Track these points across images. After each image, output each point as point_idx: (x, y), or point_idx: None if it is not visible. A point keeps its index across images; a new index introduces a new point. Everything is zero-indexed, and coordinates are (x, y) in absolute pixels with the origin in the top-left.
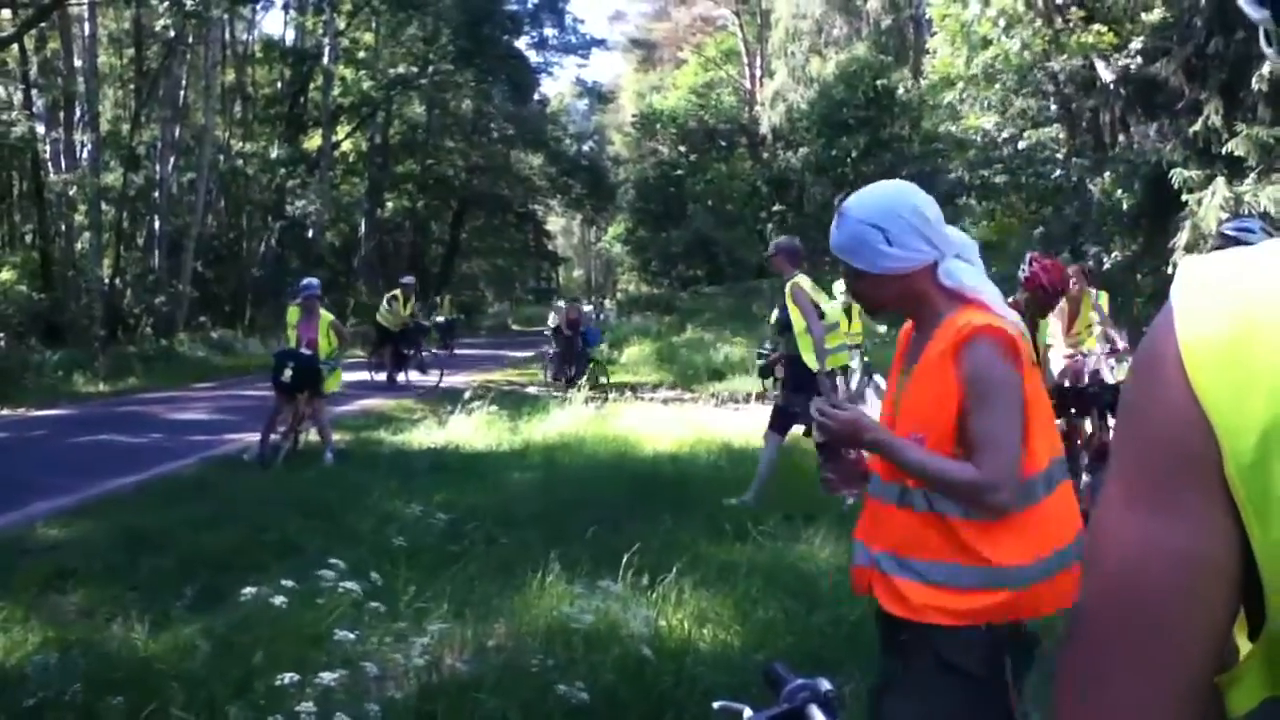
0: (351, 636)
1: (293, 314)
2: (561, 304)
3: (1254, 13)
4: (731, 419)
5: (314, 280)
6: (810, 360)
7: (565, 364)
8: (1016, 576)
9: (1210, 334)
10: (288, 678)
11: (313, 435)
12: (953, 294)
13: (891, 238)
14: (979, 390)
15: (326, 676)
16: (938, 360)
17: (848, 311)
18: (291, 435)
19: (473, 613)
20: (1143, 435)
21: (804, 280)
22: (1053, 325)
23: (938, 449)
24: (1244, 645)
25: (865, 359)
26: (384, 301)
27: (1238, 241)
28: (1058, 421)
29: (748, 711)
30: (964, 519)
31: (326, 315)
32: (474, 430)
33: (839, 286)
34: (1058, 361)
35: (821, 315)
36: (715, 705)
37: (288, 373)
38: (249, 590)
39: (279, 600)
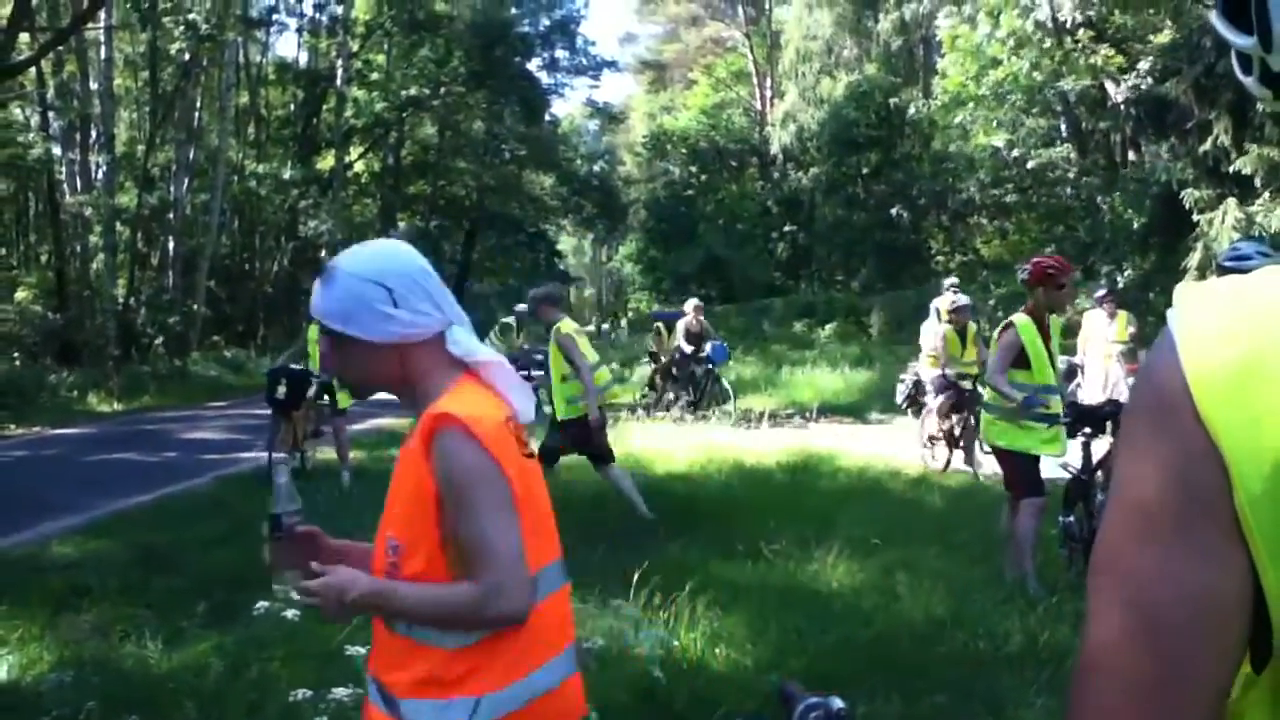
0: (363, 652)
1: (313, 330)
2: (662, 324)
3: (1238, 40)
4: (744, 438)
5: None
6: (561, 407)
7: (685, 388)
8: (496, 705)
9: (1219, 362)
10: (300, 694)
11: (320, 454)
12: (456, 363)
13: (398, 298)
14: (455, 490)
15: (340, 692)
16: (413, 451)
17: (961, 334)
18: (296, 454)
19: None
20: (1150, 467)
21: (568, 324)
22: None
23: (428, 563)
24: (1242, 676)
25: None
26: (495, 329)
27: (1236, 273)
28: (1078, 440)
29: None
30: (437, 645)
31: None
32: None
33: (941, 302)
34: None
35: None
36: None
37: (281, 389)
38: (261, 605)
39: (291, 614)
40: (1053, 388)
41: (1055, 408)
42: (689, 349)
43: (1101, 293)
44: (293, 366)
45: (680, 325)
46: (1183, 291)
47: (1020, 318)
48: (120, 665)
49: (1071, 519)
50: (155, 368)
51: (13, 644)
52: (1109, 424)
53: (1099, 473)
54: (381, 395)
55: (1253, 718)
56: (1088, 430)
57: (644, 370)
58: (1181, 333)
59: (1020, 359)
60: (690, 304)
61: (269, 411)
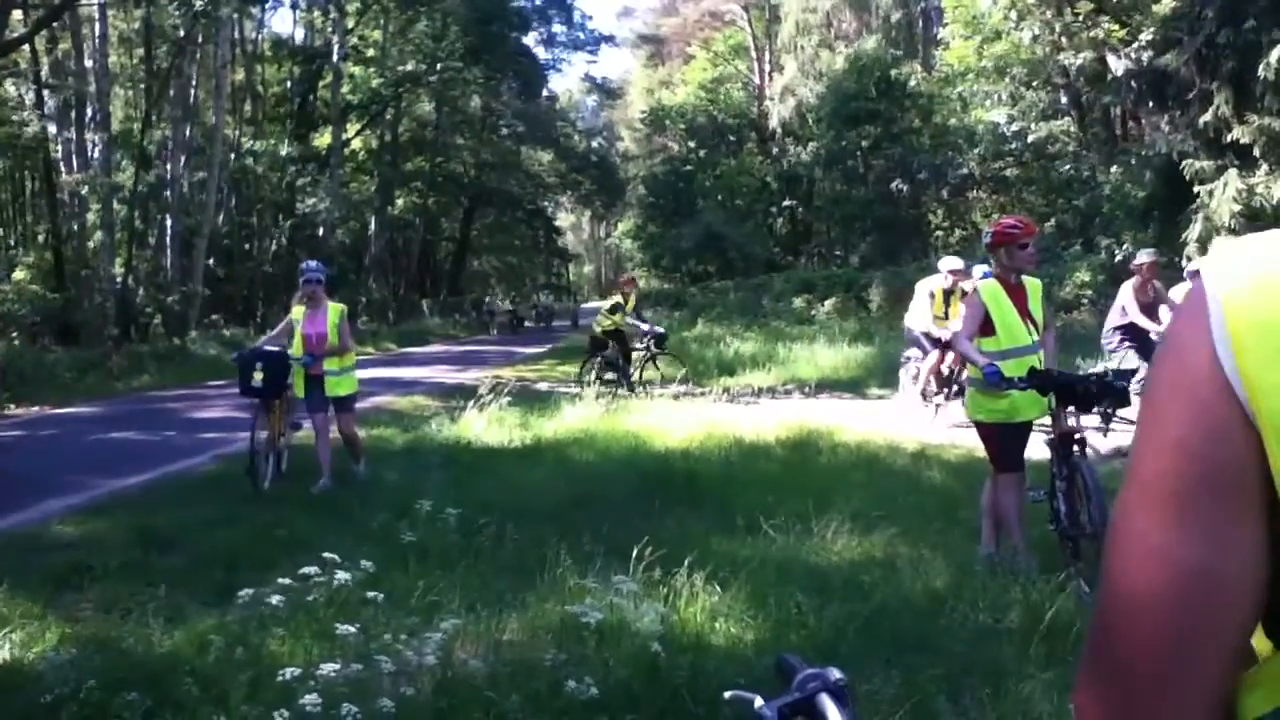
0: (353, 630)
1: (298, 312)
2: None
3: None
4: (743, 414)
5: (312, 264)
6: None
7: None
8: None
9: (1258, 324)
10: (289, 672)
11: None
12: None
13: None
14: None
15: (327, 668)
16: None
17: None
18: (274, 450)
19: (485, 608)
20: (1171, 437)
21: None
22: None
23: None
24: (1259, 648)
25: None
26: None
27: None
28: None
29: (759, 700)
30: None
31: (337, 306)
32: (486, 427)
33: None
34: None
35: None
36: (726, 694)
37: (258, 376)
38: (246, 591)
39: (281, 598)
40: (1029, 348)
41: (1021, 369)
42: (1146, 323)
43: (1193, 267)
44: (267, 349)
45: (1128, 290)
46: (1216, 251)
47: (984, 282)
48: (121, 644)
49: (1058, 502)
50: (154, 347)
51: (14, 623)
52: (1085, 400)
53: (1075, 448)
54: (386, 372)
55: (1267, 690)
56: (1069, 407)
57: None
58: (1215, 294)
59: (987, 326)
60: (1145, 255)
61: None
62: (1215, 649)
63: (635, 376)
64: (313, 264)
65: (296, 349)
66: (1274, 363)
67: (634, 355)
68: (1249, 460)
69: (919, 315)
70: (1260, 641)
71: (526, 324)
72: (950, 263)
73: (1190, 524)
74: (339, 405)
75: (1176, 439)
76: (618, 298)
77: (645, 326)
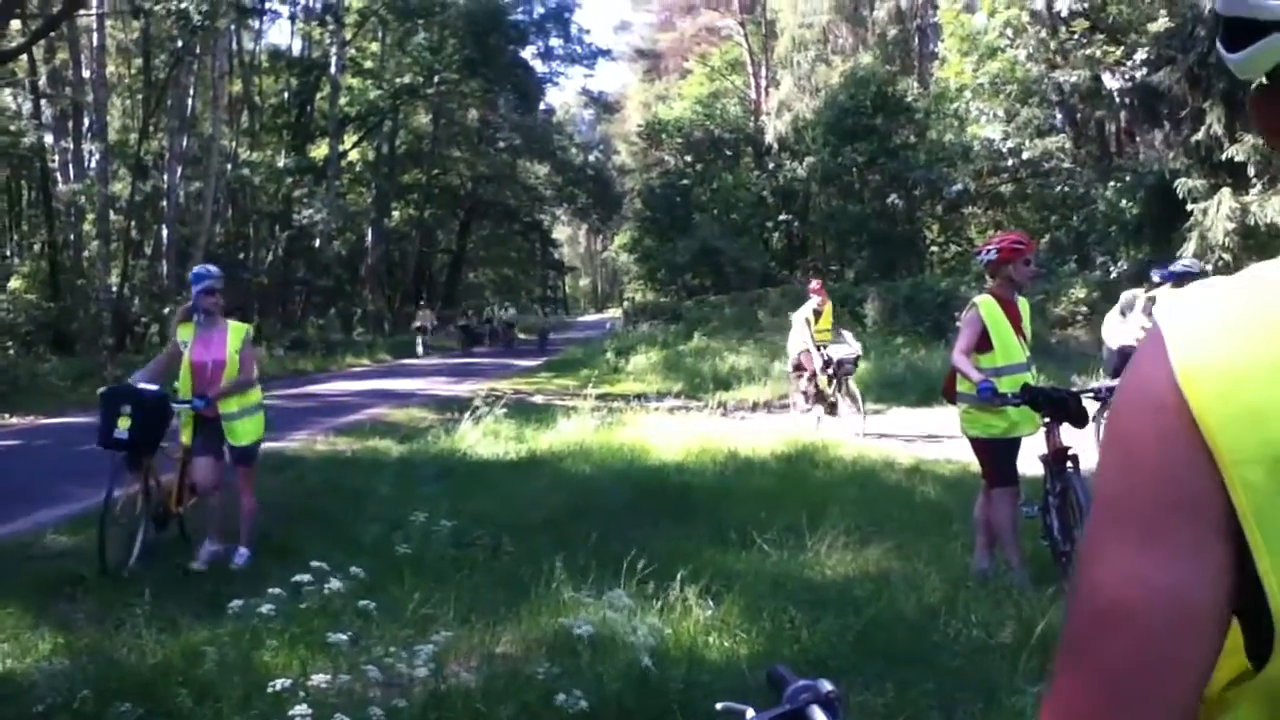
0: (344, 639)
1: (186, 331)
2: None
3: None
4: (737, 428)
5: (209, 268)
6: None
7: None
8: None
9: (1214, 359)
10: (279, 683)
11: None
12: None
13: None
14: None
15: (318, 679)
16: None
17: None
18: (164, 513)
19: (479, 620)
20: (1134, 468)
21: None
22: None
23: None
24: (1223, 672)
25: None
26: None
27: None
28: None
29: (750, 712)
30: None
31: (239, 326)
32: (482, 439)
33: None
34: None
35: None
36: (718, 706)
37: (124, 423)
38: (236, 602)
39: (267, 608)
40: (1021, 365)
41: (1014, 385)
42: None
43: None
44: (142, 386)
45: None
46: (1170, 291)
47: (983, 297)
48: (114, 654)
49: (1051, 517)
50: (149, 357)
51: (7, 632)
52: (1072, 412)
53: (1069, 463)
54: (381, 384)
55: (1239, 713)
56: (1047, 418)
57: (639, 359)
58: (1171, 331)
59: (984, 342)
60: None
61: (270, 401)
62: (1184, 672)
63: (814, 404)
64: (209, 268)
65: (184, 384)
66: (1226, 400)
67: (820, 381)
68: (1214, 488)
69: (1133, 329)
70: (1237, 661)
71: (500, 342)
72: (1186, 264)
73: (1169, 546)
74: (238, 457)
75: (1149, 465)
76: (809, 310)
77: (821, 353)
